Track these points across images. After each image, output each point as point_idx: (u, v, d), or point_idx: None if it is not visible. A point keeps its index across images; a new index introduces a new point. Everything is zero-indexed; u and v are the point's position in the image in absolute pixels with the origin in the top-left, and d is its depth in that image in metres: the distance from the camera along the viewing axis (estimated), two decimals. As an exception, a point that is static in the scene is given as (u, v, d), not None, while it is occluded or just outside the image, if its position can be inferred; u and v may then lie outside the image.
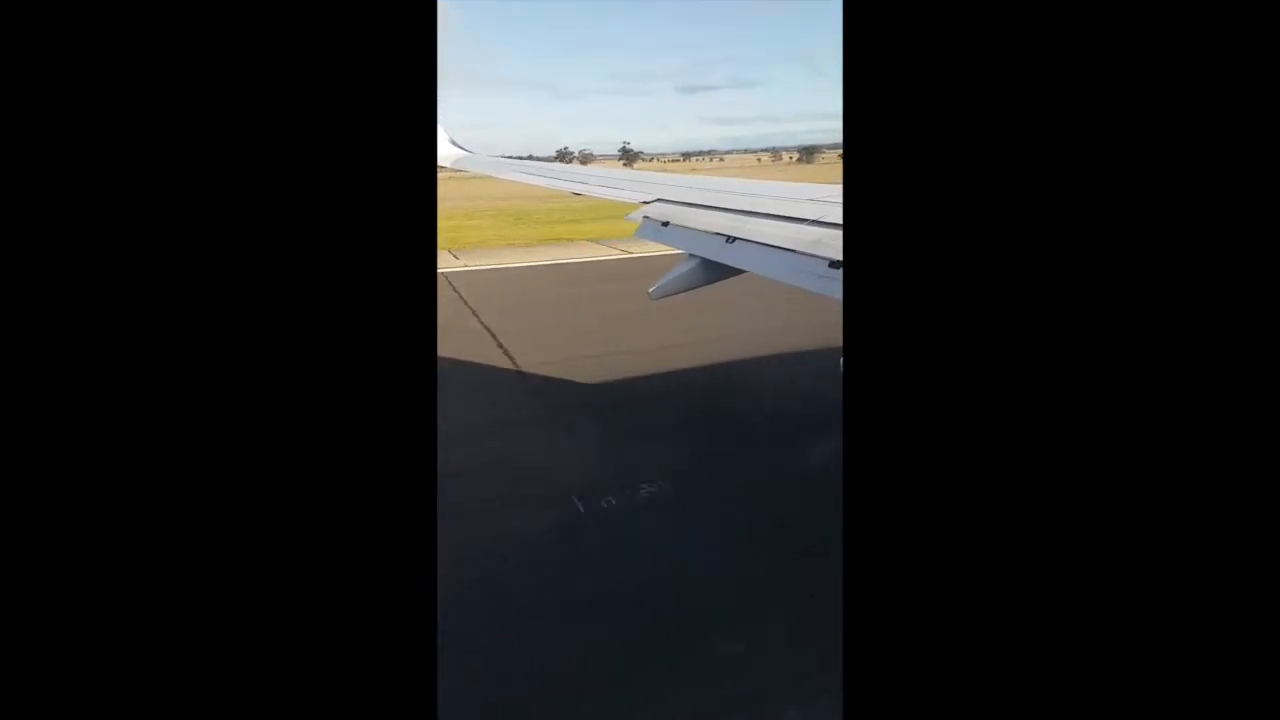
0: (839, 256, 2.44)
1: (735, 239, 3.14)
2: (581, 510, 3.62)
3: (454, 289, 9.40)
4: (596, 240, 13.74)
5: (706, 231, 3.39)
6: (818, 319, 6.70)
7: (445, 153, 6.94)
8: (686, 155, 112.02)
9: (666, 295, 3.58)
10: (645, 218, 3.91)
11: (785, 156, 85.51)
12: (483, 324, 7.55)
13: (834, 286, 2.39)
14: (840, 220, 2.74)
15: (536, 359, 6.16)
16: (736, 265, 3.12)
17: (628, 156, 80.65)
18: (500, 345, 6.68)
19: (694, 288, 3.54)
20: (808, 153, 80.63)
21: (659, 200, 4.06)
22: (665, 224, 3.73)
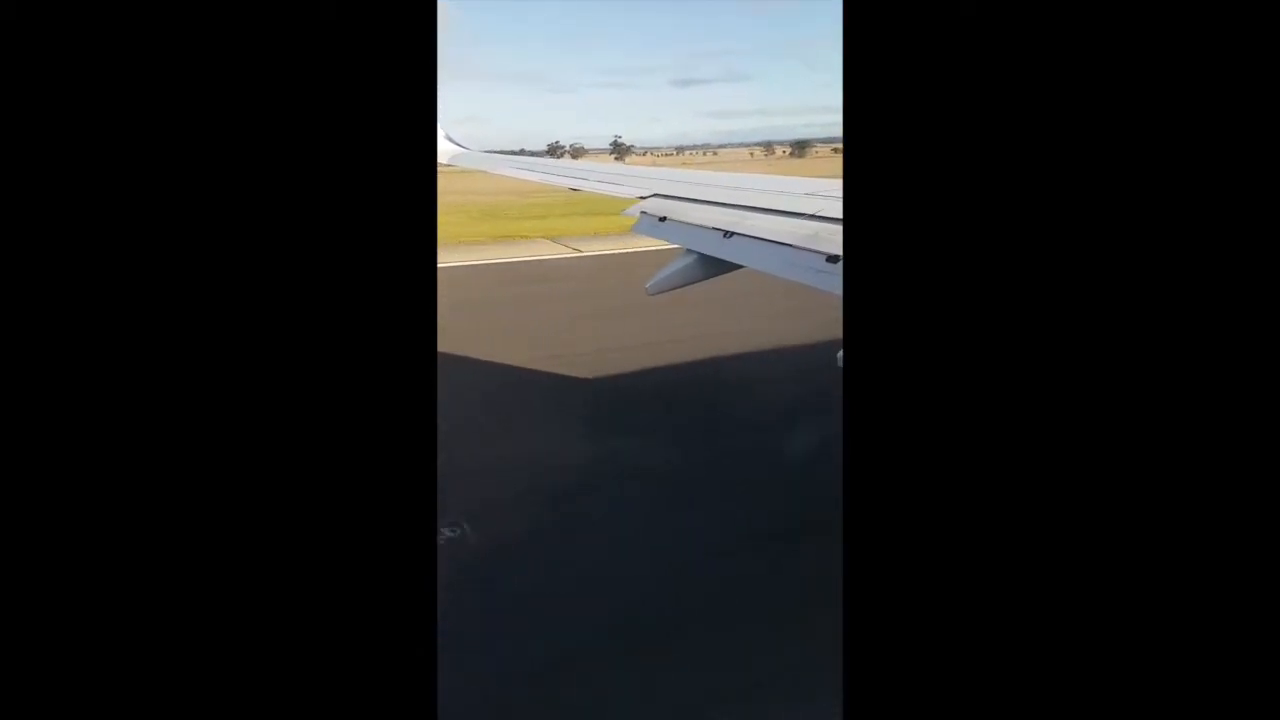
0: (836, 251, 2.45)
1: (733, 234, 3.14)
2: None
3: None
4: (554, 238, 13.61)
5: (703, 226, 3.39)
6: (790, 315, 6.68)
7: (441, 148, 6.90)
8: (680, 149, 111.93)
9: (663, 291, 3.58)
10: (642, 213, 3.91)
11: (778, 151, 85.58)
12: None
13: (831, 281, 2.40)
14: (837, 214, 2.75)
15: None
16: (734, 260, 3.12)
17: (619, 151, 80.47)
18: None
19: (691, 283, 3.54)
20: (800, 147, 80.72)
21: (655, 195, 4.06)
22: (662, 219, 3.72)
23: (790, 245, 2.70)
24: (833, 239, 2.54)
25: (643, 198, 4.09)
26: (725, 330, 6.80)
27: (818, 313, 7.01)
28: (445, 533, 3.39)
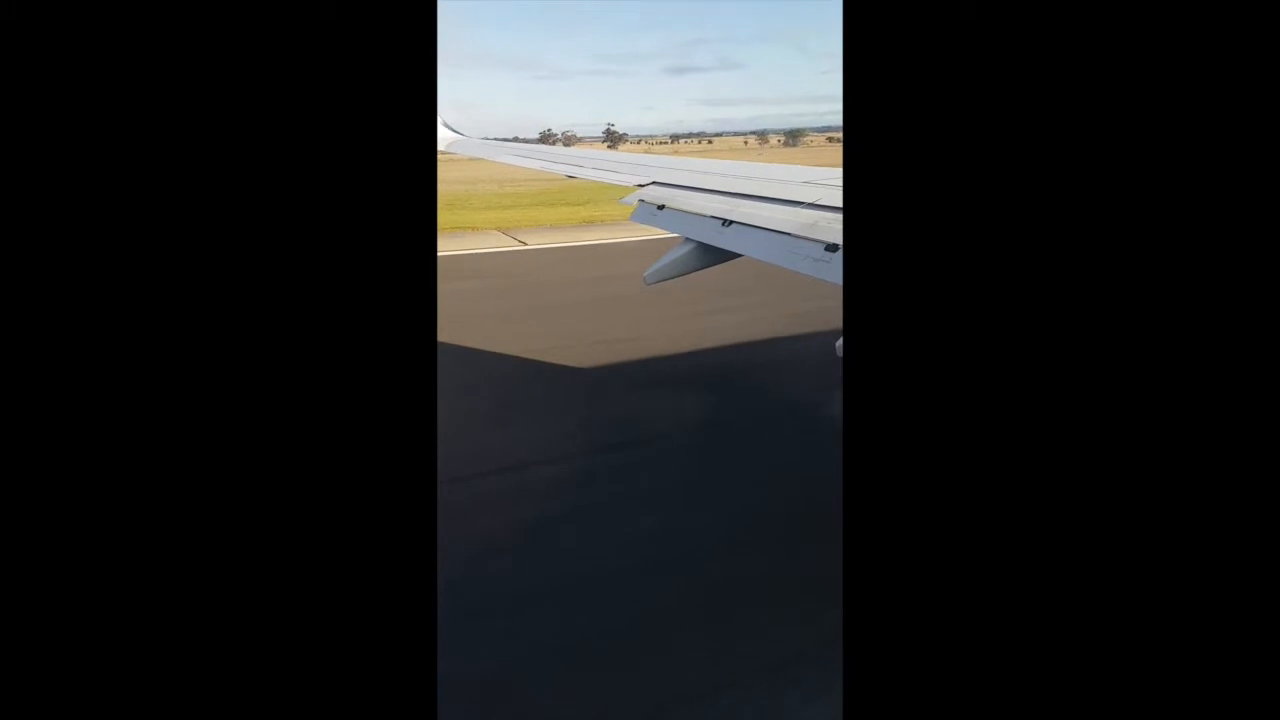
0: (835, 239, 2.45)
1: (731, 222, 3.14)
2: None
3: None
4: (506, 230, 13.44)
5: (702, 215, 3.38)
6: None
7: (438, 135, 6.83)
8: (674, 137, 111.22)
9: (662, 280, 3.58)
10: (640, 201, 3.89)
11: (772, 139, 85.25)
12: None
13: (830, 270, 2.40)
14: (836, 203, 2.76)
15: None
16: (732, 249, 3.12)
17: (612, 139, 79.83)
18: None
19: (689, 272, 3.54)
20: (793, 136, 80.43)
21: (654, 183, 4.04)
22: (660, 207, 3.71)
23: (789, 234, 2.71)
24: (831, 228, 2.55)
25: (640, 186, 4.08)
26: (631, 334, 6.44)
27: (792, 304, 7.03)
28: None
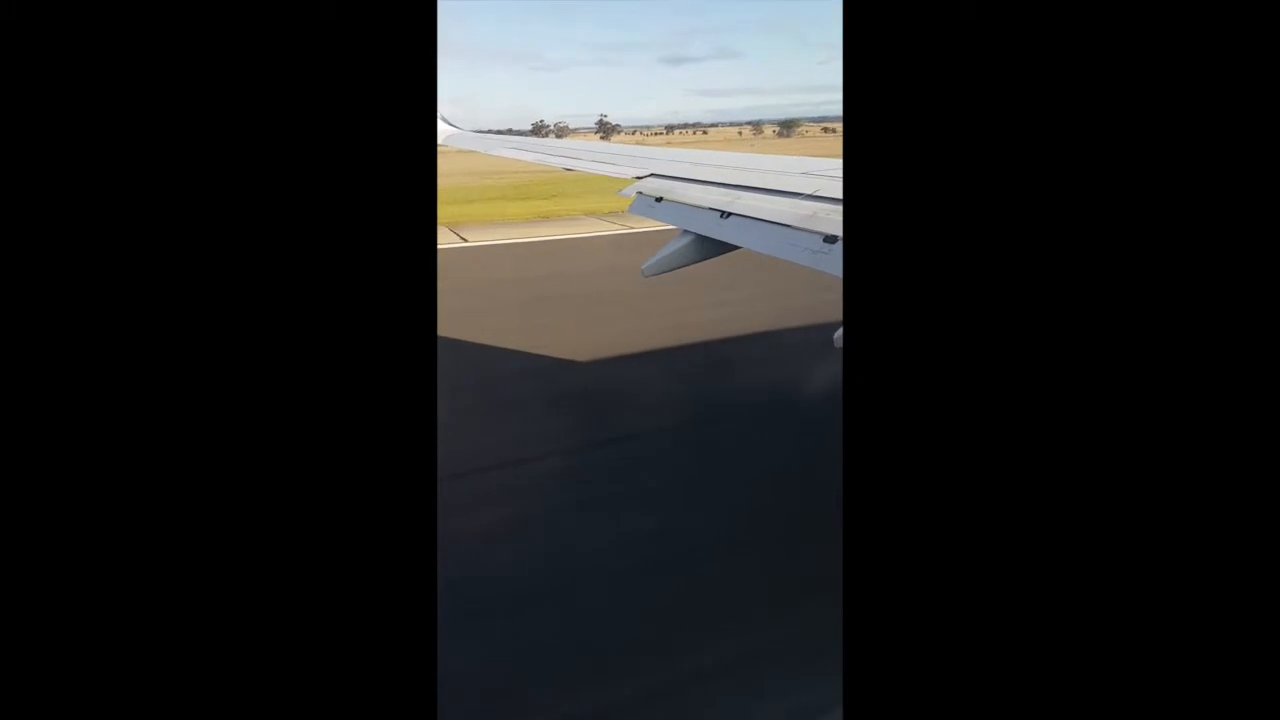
0: (834, 231, 2.46)
1: (730, 214, 3.14)
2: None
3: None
4: (454, 226, 13.36)
5: (700, 207, 3.38)
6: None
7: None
8: (669, 128, 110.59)
9: (660, 273, 3.58)
10: (639, 193, 3.89)
11: (767, 130, 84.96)
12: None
13: (828, 261, 2.41)
14: (834, 194, 2.76)
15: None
16: (731, 241, 3.12)
17: (605, 130, 79.35)
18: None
19: (688, 264, 3.54)
20: (787, 126, 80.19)
21: (652, 175, 4.04)
22: (659, 199, 3.71)
23: (788, 226, 2.71)
24: (830, 219, 2.55)
25: (639, 178, 4.07)
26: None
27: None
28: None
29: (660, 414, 4.84)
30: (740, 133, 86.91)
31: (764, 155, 4.08)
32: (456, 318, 6.84)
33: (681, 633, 2.71)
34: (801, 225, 2.64)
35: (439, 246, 11.19)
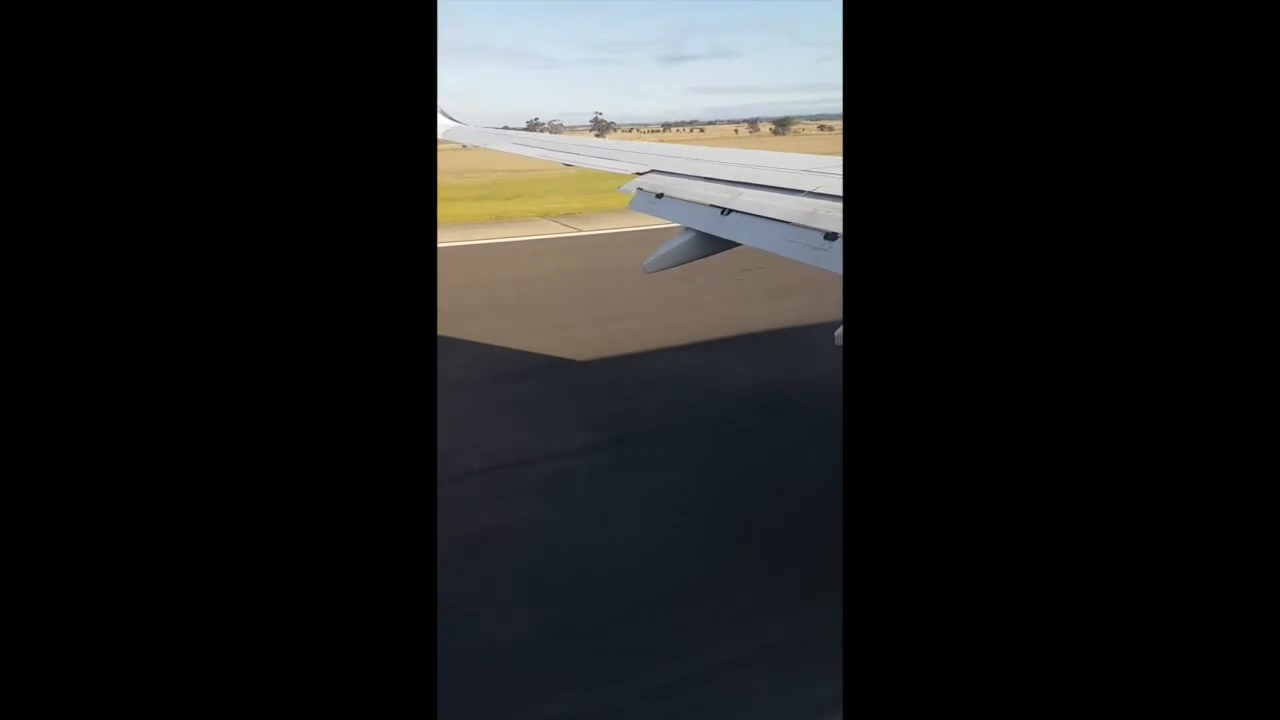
0: (834, 228, 2.49)
1: (730, 211, 3.17)
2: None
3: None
4: None
5: (701, 204, 3.41)
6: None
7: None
8: (666, 125, 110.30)
9: (661, 269, 3.61)
10: (639, 190, 3.91)
11: (763, 128, 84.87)
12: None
13: (828, 259, 2.45)
14: (834, 191, 2.79)
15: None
16: (731, 238, 3.14)
17: (599, 127, 79.02)
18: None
19: (688, 261, 3.56)
20: (782, 124, 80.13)
21: (653, 172, 4.05)
22: (659, 195, 3.73)
23: (788, 223, 2.74)
24: (830, 216, 2.58)
25: (639, 174, 4.09)
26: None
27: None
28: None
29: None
30: (736, 130, 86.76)
31: (763, 152, 4.11)
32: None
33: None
34: (802, 222, 2.66)
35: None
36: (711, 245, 3.39)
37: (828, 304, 6.67)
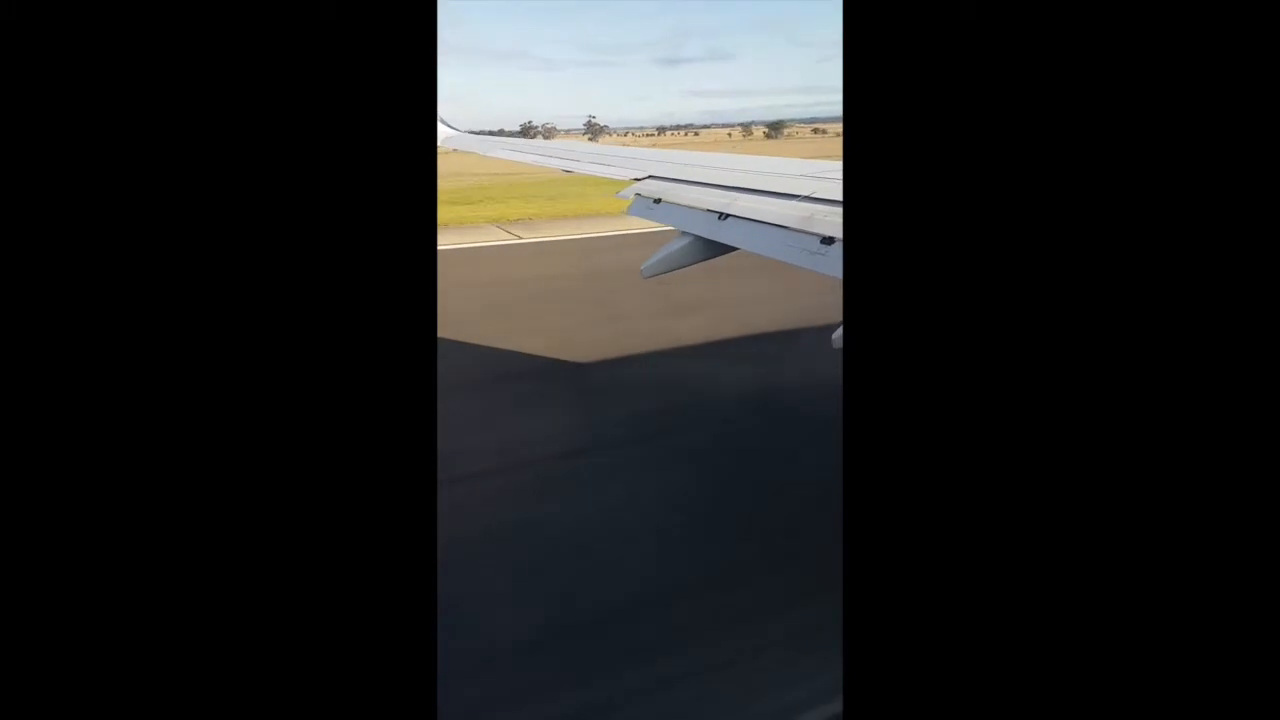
0: (831, 233, 2.52)
1: (728, 215, 3.20)
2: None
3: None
4: None
5: (698, 208, 3.44)
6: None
7: None
8: (661, 129, 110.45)
9: (658, 274, 3.63)
10: (637, 195, 3.94)
11: (756, 131, 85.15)
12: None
13: (825, 263, 2.47)
14: (831, 196, 2.83)
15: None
16: (728, 243, 3.17)
17: (592, 131, 79.09)
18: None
19: (686, 265, 3.59)
20: (774, 128, 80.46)
21: (650, 177, 4.09)
22: (657, 201, 3.77)
23: (785, 227, 2.77)
24: (827, 220, 2.61)
25: (637, 179, 4.12)
26: None
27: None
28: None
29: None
30: (730, 134, 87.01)
31: (761, 157, 4.15)
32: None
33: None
34: (799, 227, 2.69)
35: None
36: (709, 250, 3.42)
37: (721, 323, 6.51)
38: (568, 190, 17.74)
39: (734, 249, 3.20)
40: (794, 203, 2.93)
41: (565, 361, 5.92)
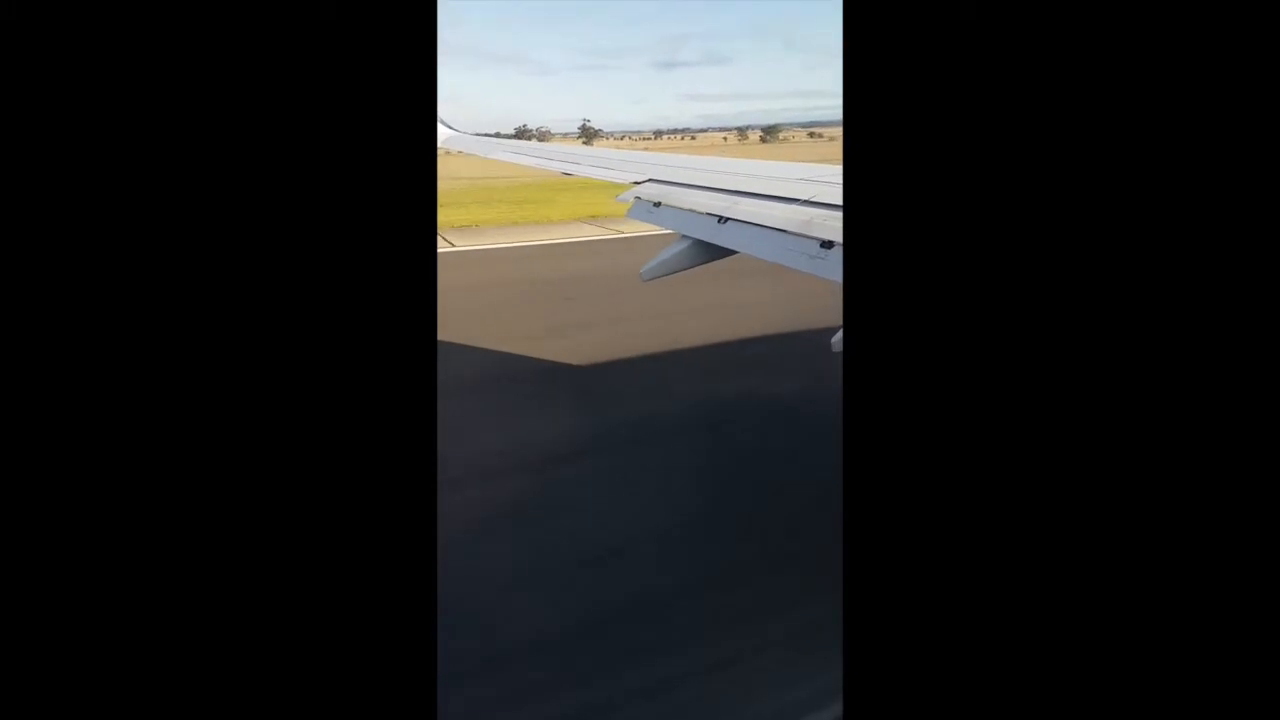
0: (830, 237, 2.55)
1: (727, 219, 3.22)
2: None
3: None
4: None
5: (698, 212, 3.46)
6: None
7: None
8: (658, 133, 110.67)
9: (657, 277, 3.65)
10: (637, 198, 3.96)
11: (751, 135, 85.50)
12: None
13: (825, 267, 2.50)
14: (831, 200, 2.86)
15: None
16: (728, 246, 3.19)
17: (587, 135, 79.20)
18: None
19: (685, 268, 3.61)
20: (770, 132, 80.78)
21: (650, 180, 4.11)
22: (657, 204, 3.79)
23: (785, 231, 2.79)
24: (827, 225, 2.63)
25: (637, 183, 4.15)
26: None
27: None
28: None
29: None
30: (725, 139, 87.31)
31: (761, 161, 4.18)
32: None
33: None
34: (798, 231, 2.72)
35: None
36: (709, 253, 3.45)
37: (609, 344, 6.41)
38: (534, 196, 17.33)
39: (734, 253, 3.22)
40: (793, 207, 2.96)
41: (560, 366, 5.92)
